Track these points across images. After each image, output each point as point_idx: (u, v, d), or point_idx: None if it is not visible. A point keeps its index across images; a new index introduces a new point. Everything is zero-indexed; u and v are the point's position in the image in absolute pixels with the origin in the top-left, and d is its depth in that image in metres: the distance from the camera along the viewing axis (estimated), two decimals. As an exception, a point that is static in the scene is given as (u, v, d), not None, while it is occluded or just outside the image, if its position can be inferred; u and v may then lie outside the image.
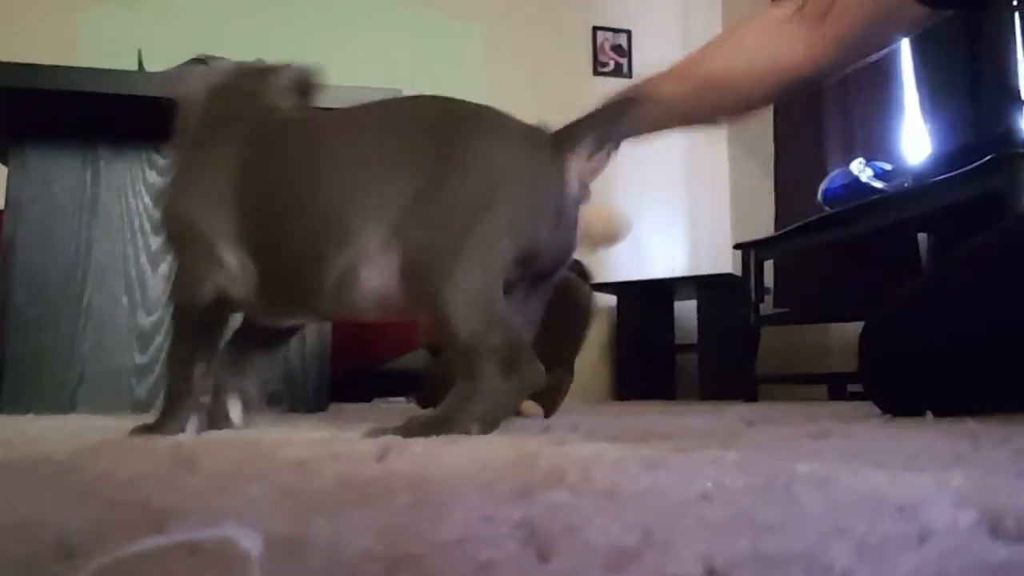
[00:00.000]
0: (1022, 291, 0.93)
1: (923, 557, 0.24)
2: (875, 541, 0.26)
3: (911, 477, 0.37)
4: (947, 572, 0.24)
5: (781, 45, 0.96)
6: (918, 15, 0.96)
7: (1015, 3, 2.26)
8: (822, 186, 2.48)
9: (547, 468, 0.40)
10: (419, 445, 0.53)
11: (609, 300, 3.46)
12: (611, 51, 3.91)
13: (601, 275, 3.37)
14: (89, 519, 0.29)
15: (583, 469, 0.38)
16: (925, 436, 0.65)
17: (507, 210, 0.67)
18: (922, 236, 2.15)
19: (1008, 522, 0.29)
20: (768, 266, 2.94)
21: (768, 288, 2.92)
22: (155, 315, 1.37)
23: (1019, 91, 2.22)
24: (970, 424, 0.71)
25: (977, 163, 1.79)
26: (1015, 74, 2.24)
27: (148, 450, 0.53)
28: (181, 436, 0.69)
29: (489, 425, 0.65)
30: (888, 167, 2.31)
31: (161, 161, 1.42)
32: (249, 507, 0.31)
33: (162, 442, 0.59)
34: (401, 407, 1.86)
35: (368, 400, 2.34)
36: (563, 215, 0.70)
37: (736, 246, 2.96)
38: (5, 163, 1.41)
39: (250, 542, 0.21)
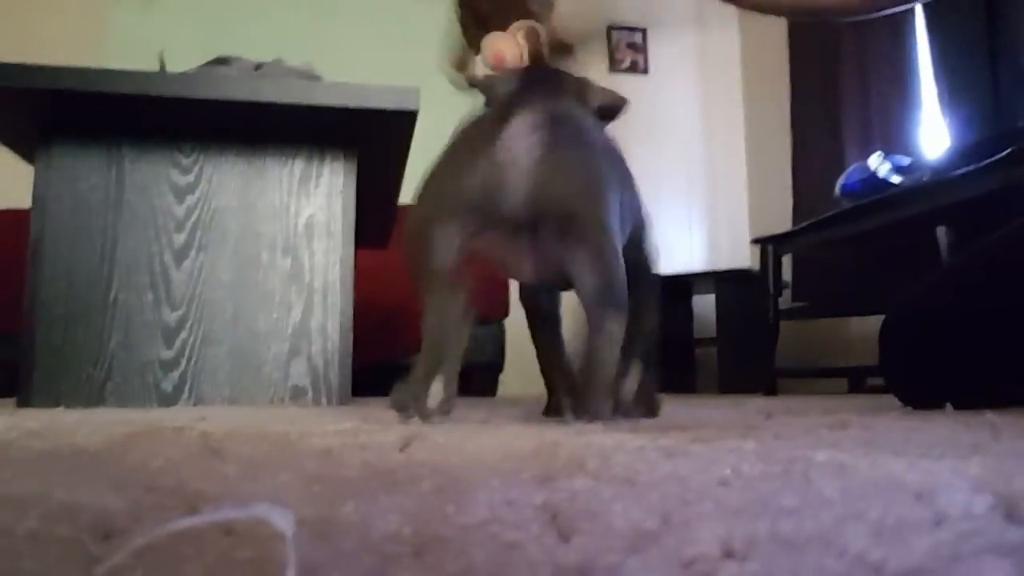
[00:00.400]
0: None
1: (938, 540, 0.25)
2: (891, 524, 0.27)
3: (928, 464, 0.38)
4: (961, 554, 0.24)
5: None
6: None
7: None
8: (840, 180, 2.46)
9: (568, 456, 0.40)
10: (441, 436, 0.53)
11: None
12: (627, 48, 3.91)
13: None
14: (125, 503, 0.30)
15: (603, 457, 0.38)
16: (944, 427, 0.65)
17: (442, 171, 0.83)
18: (941, 230, 2.13)
19: (1024, 508, 0.29)
20: (786, 260, 2.93)
21: (786, 282, 2.91)
22: (180, 311, 1.39)
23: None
24: (990, 416, 0.71)
25: (997, 156, 1.77)
26: (1036, 66, 2.22)
27: (177, 440, 0.54)
28: (208, 426, 0.70)
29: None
30: (906, 161, 2.29)
31: (184, 160, 1.44)
32: (279, 492, 0.32)
33: (190, 432, 0.60)
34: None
35: (388, 394, 2.35)
36: (499, 169, 0.78)
37: (754, 241, 2.95)
38: (32, 163, 1.44)
39: (284, 522, 0.21)
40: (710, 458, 0.40)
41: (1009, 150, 1.75)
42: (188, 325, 1.39)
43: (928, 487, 0.32)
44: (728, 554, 0.23)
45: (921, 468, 0.37)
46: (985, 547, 0.25)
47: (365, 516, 0.26)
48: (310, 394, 1.41)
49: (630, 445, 0.47)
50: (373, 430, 0.62)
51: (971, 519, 0.28)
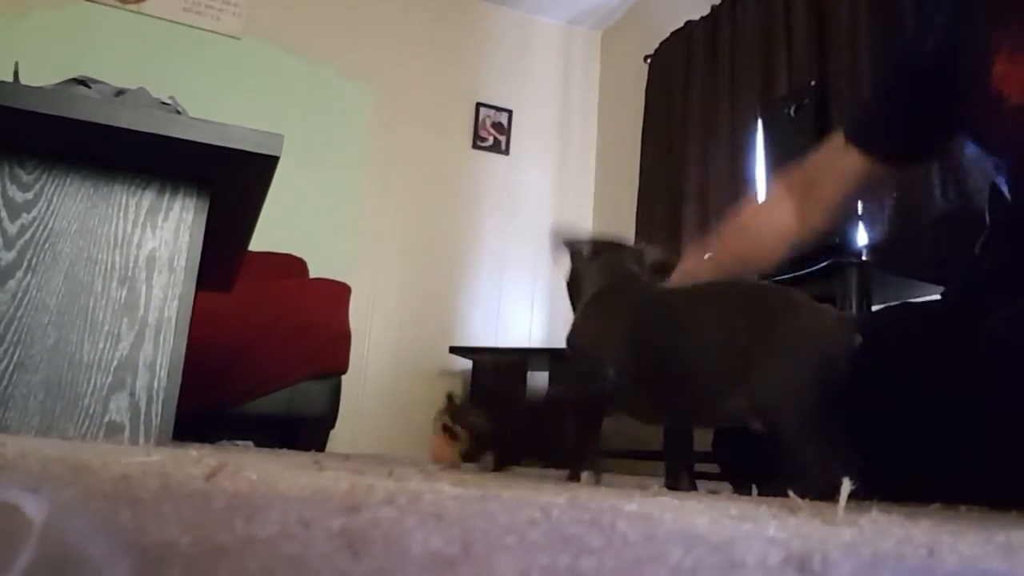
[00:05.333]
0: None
1: (729, 582, 0.25)
2: (688, 567, 0.27)
3: (729, 523, 0.39)
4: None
5: (780, 219, 1.25)
6: (878, 175, 1.19)
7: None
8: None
9: (381, 494, 0.39)
10: (254, 472, 0.51)
11: (465, 364, 3.52)
12: (491, 127, 4.00)
13: (458, 339, 3.56)
14: None
15: (415, 495, 0.37)
16: (751, 502, 0.68)
17: None
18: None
19: (815, 561, 0.31)
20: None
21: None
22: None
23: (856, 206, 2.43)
24: (796, 500, 0.74)
25: (817, 266, 1.97)
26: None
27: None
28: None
29: None
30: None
31: (25, 176, 1.35)
32: (58, 503, 0.30)
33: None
34: (249, 450, 1.79)
35: (213, 442, 2.24)
36: None
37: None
38: None
39: (35, 507, 0.19)
40: (523, 503, 0.39)
41: (827, 262, 1.97)
42: (2, 348, 1.29)
43: (727, 540, 0.33)
44: (523, 583, 0.23)
45: (722, 525, 0.38)
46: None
47: (140, 523, 0.24)
48: (127, 431, 1.32)
49: (448, 492, 0.46)
50: (182, 464, 0.59)
51: (764, 569, 0.29)
